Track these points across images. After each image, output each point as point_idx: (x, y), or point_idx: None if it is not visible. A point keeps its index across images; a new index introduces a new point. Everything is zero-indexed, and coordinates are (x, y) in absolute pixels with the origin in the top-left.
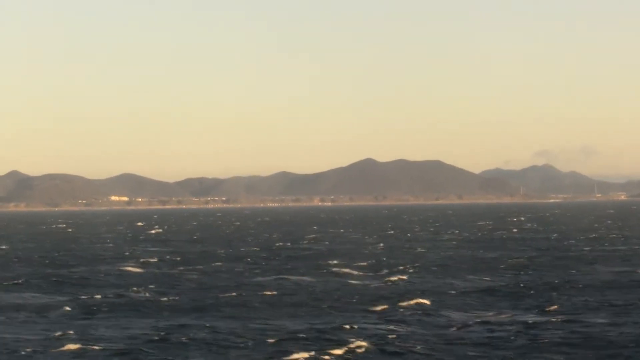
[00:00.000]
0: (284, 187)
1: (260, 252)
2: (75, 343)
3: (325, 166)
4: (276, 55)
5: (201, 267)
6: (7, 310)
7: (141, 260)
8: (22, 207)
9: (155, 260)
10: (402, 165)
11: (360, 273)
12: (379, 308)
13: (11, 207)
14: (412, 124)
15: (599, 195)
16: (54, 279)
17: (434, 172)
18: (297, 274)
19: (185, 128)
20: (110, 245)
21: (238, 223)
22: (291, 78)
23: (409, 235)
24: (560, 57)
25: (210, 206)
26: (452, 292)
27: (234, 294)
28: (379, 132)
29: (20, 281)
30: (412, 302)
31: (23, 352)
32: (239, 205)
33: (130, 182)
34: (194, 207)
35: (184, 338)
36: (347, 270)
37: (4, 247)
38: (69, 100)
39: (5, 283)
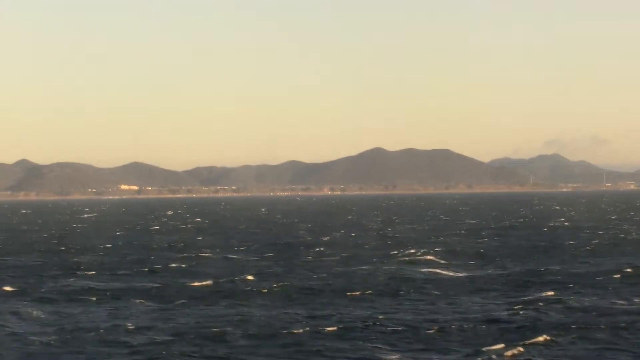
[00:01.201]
0: (293, 176)
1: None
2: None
3: (335, 155)
4: (286, 45)
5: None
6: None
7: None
8: (32, 196)
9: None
10: (411, 154)
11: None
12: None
13: (21, 196)
14: (420, 113)
15: (609, 184)
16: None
17: (443, 161)
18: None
19: (194, 117)
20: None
21: (351, 216)
22: (300, 67)
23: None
24: (571, 45)
25: (220, 195)
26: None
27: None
28: (388, 121)
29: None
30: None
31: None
32: (249, 194)
33: (139, 171)
34: (204, 196)
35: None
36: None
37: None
38: (77, 88)
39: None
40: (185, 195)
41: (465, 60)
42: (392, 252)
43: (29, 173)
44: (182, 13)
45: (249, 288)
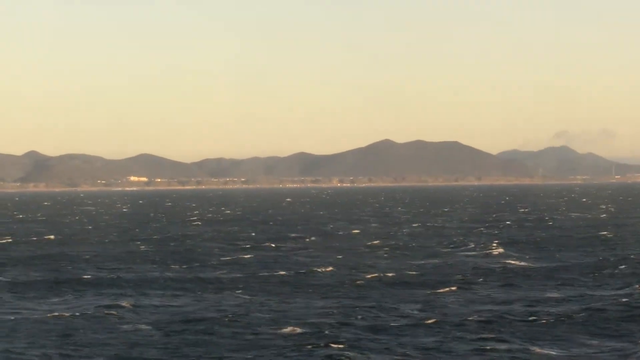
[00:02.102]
0: (302, 168)
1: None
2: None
3: (343, 147)
4: (294, 37)
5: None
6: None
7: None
8: (41, 188)
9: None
10: (419, 146)
11: None
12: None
13: (31, 188)
14: (429, 105)
15: (618, 177)
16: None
17: (452, 153)
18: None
19: (201, 109)
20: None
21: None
22: (308, 59)
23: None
24: (581, 38)
25: (229, 187)
26: None
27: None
28: (397, 113)
29: None
30: None
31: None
32: (258, 186)
33: (147, 163)
34: (213, 187)
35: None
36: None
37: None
38: (85, 80)
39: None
40: (194, 187)
41: (474, 52)
42: (450, 244)
43: (37, 165)
44: (188, 2)
45: (368, 277)
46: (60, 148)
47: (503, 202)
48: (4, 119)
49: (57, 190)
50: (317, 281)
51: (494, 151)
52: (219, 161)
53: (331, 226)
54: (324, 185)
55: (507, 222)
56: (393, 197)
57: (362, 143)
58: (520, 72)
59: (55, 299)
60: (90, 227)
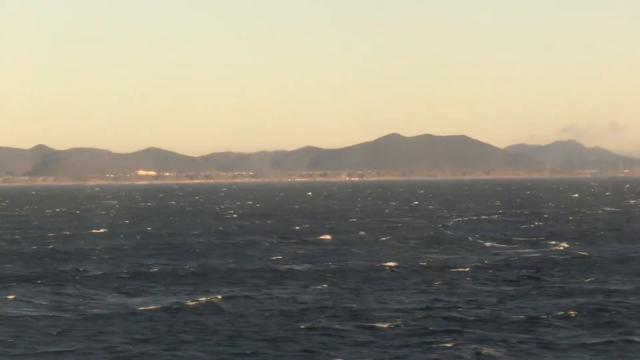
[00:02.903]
0: (309, 162)
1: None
2: None
3: (351, 141)
4: (302, 31)
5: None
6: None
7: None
8: (50, 182)
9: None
10: (427, 140)
11: None
12: None
13: (39, 182)
14: (437, 99)
15: (627, 170)
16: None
17: (460, 147)
18: None
19: (210, 102)
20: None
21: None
22: (317, 53)
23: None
24: (590, 31)
25: (238, 180)
26: None
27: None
28: (405, 107)
29: None
30: None
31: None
32: (267, 180)
33: (155, 157)
34: (222, 181)
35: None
36: None
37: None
38: (92, 74)
39: None
40: (203, 181)
41: (482, 45)
42: (502, 239)
43: (45, 158)
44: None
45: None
46: (68, 142)
47: (525, 196)
48: (11, 113)
49: (66, 184)
50: (416, 275)
51: (501, 145)
52: (226, 155)
53: (392, 220)
54: (332, 180)
55: (545, 216)
56: (415, 192)
57: (370, 137)
58: (528, 65)
59: (167, 290)
60: (145, 222)
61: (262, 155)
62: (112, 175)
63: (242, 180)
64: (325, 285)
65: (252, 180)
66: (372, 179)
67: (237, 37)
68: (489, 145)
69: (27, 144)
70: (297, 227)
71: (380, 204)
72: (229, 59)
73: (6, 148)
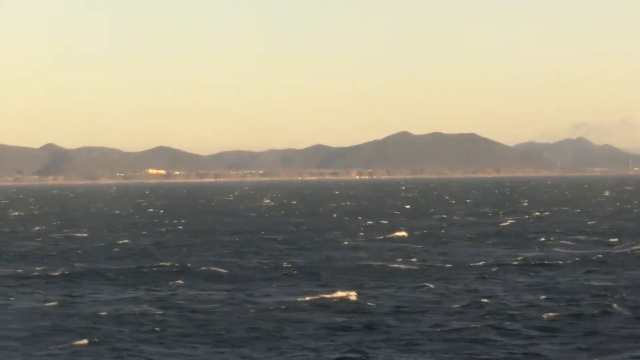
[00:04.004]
0: (319, 160)
1: None
2: None
3: (360, 139)
4: (312, 29)
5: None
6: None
7: None
8: (60, 181)
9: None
10: (437, 138)
11: None
12: None
13: (50, 181)
14: (446, 97)
15: (636, 168)
16: None
17: (469, 145)
18: None
19: (219, 101)
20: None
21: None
22: (325, 51)
23: None
24: (599, 28)
25: (248, 179)
26: None
27: None
28: (413, 105)
29: None
30: None
31: None
32: (277, 179)
33: (165, 155)
34: (232, 180)
35: None
36: None
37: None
38: (101, 72)
39: None
40: (213, 180)
41: (491, 43)
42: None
43: (55, 157)
44: None
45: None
46: (78, 141)
47: (560, 193)
48: (20, 112)
49: (78, 183)
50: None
51: (510, 143)
52: (236, 154)
53: (439, 216)
54: (342, 178)
55: (601, 214)
56: (447, 189)
57: (379, 135)
58: (537, 63)
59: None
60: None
61: (272, 154)
62: (122, 174)
63: (253, 179)
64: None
65: (263, 179)
66: (383, 177)
67: (246, 35)
68: (498, 143)
69: (36, 143)
70: (370, 223)
71: (434, 200)
72: (238, 58)
73: (16, 147)
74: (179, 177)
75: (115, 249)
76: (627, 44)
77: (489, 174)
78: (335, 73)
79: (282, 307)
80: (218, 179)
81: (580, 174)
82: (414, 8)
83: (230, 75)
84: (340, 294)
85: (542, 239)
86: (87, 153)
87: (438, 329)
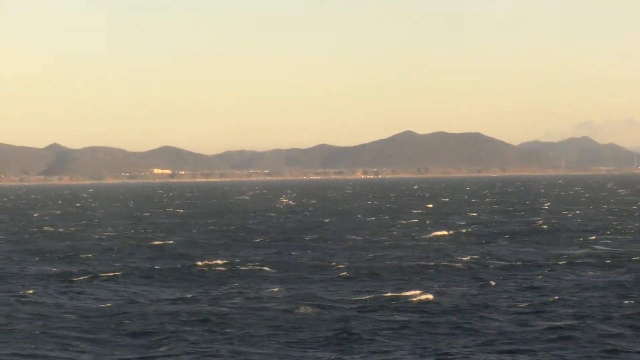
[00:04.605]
0: (323, 160)
1: None
2: None
3: (364, 139)
4: (315, 29)
5: None
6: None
7: None
8: (66, 181)
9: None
10: (441, 138)
11: None
12: None
13: (55, 181)
14: (450, 95)
15: None
16: None
17: (474, 144)
18: None
19: (222, 101)
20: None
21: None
22: (329, 51)
23: None
24: (606, 28)
25: (253, 179)
26: None
27: None
28: (417, 104)
29: None
30: None
31: None
32: (282, 178)
33: (169, 155)
34: (237, 179)
35: None
36: None
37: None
38: (106, 72)
39: None
40: (218, 179)
41: (496, 41)
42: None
43: (60, 157)
44: None
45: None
46: (82, 141)
47: (575, 192)
48: (25, 112)
49: (83, 183)
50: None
51: (515, 142)
52: (240, 153)
53: (467, 215)
54: (347, 177)
55: (625, 213)
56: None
57: (384, 134)
58: (542, 61)
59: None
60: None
61: (276, 153)
62: (127, 174)
63: (258, 179)
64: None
65: (268, 178)
66: (388, 176)
67: (250, 35)
68: (503, 142)
69: (41, 143)
70: (403, 222)
71: (455, 200)
72: (242, 58)
73: (21, 147)
74: (184, 176)
75: (154, 249)
76: (632, 43)
77: (495, 172)
78: (339, 72)
79: (353, 306)
80: (223, 179)
81: (586, 172)
82: (418, 7)
83: (235, 75)
84: (410, 293)
85: (581, 238)
86: (92, 153)
87: (521, 328)
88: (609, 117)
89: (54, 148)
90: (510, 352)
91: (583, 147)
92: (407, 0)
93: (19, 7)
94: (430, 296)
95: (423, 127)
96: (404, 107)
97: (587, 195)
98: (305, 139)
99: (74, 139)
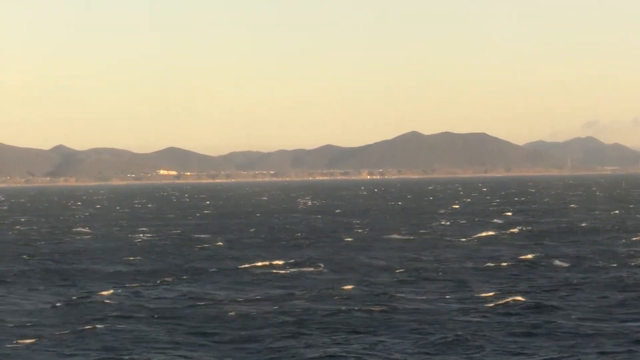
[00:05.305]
0: (329, 161)
1: None
2: None
3: (370, 139)
4: (321, 30)
5: None
6: None
7: None
8: (72, 182)
9: None
10: (447, 138)
11: None
12: None
13: (61, 182)
14: (455, 96)
15: None
16: None
17: (479, 144)
18: None
19: (228, 102)
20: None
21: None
22: (335, 52)
23: None
24: (609, 29)
25: (259, 179)
26: None
27: None
28: (423, 105)
29: None
30: None
31: None
32: (288, 179)
33: (175, 156)
34: (243, 180)
35: None
36: None
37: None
38: (111, 74)
39: None
40: (224, 180)
41: (500, 42)
42: None
43: (65, 159)
44: None
45: None
46: (87, 142)
47: (592, 192)
48: (30, 114)
49: (90, 184)
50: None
51: (520, 142)
52: (246, 154)
53: (505, 214)
54: (354, 178)
55: None
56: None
57: (389, 135)
58: (547, 62)
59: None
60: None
61: (282, 154)
62: (133, 175)
63: (264, 179)
64: None
65: (274, 179)
66: (394, 177)
67: (255, 36)
68: (508, 143)
69: (46, 144)
70: (446, 223)
71: (482, 200)
72: (247, 59)
73: (26, 149)
74: (190, 177)
75: (205, 250)
76: (638, 44)
77: (500, 173)
78: (344, 73)
79: (442, 308)
80: (229, 180)
81: (591, 172)
82: (423, 8)
83: (240, 76)
84: (492, 293)
85: (634, 238)
86: (98, 154)
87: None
88: (615, 117)
89: (59, 149)
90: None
91: (588, 147)
92: (412, 1)
93: (21, 8)
94: (519, 297)
95: (428, 128)
96: (409, 108)
97: (606, 194)
98: (311, 139)
99: (80, 141)
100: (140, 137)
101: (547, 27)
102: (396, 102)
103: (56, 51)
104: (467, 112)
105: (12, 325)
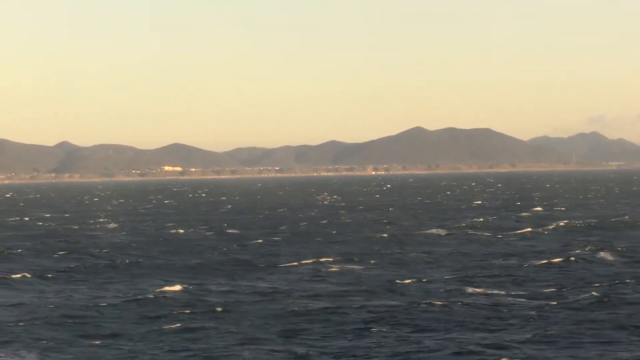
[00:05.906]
0: (333, 156)
1: None
2: None
3: (374, 135)
4: (325, 26)
5: None
6: None
7: None
8: (77, 178)
9: None
10: (451, 134)
11: None
12: None
13: (66, 178)
14: (459, 92)
15: None
16: None
17: (484, 140)
18: None
19: (232, 98)
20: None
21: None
22: (338, 48)
23: None
24: (613, 24)
25: (264, 175)
26: None
27: None
28: (427, 101)
29: None
30: None
31: None
32: (293, 175)
33: (179, 152)
34: (248, 176)
35: None
36: None
37: None
38: (116, 70)
39: None
40: (229, 176)
41: (504, 37)
42: None
43: (70, 155)
44: None
45: None
46: (92, 138)
47: (610, 188)
48: (35, 110)
49: (95, 180)
50: None
51: (524, 137)
52: (250, 150)
53: (537, 211)
54: (359, 174)
55: None
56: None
57: (393, 131)
58: (551, 57)
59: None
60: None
61: (286, 150)
62: (137, 172)
63: (269, 175)
64: None
65: (279, 175)
66: (399, 172)
67: (259, 33)
68: (513, 138)
69: (51, 140)
70: (479, 220)
71: (504, 196)
72: (251, 56)
73: (31, 145)
74: (195, 173)
75: (247, 247)
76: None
77: (505, 168)
78: (349, 69)
79: (523, 304)
80: (235, 176)
81: (596, 168)
82: (428, 5)
83: (244, 72)
84: (565, 289)
85: None
86: (102, 150)
87: None
88: (619, 112)
89: (64, 146)
90: None
91: (592, 143)
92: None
93: (26, 6)
94: (584, 291)
95: (433, 124)
96: (413, 104)
97: (619, 189)
98: (315, 135)
99: (84, 137)
100: (145, 134)
101: (552, 23)
102: (400, 98)
103: (61, 48)
104: (471, 108)
105: (82, 322)
